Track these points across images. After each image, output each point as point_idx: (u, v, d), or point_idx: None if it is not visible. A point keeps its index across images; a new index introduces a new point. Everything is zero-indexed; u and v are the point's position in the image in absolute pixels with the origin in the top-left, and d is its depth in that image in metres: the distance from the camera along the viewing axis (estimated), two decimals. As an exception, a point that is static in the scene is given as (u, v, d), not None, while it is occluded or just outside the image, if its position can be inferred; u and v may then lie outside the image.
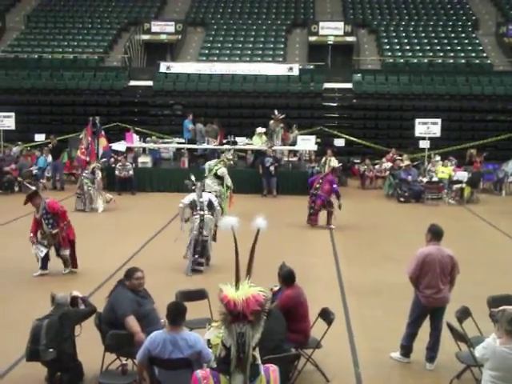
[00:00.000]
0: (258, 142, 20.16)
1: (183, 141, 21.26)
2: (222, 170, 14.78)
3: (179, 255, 11.77)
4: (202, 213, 10.68)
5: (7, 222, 14.56)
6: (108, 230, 14.29)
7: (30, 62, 29.29)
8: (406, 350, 7.23)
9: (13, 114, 22.39)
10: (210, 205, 10.89)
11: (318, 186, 14.80)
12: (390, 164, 21.40)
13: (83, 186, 16.39)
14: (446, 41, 30.39)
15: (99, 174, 16.87)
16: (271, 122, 20.14)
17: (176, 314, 5.43)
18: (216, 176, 14.65)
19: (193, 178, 11.54)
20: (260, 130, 20.31)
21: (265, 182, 19.30)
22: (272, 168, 19.05)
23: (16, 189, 19.38)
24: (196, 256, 10.63)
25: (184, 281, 9.70)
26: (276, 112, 20.25)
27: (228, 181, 14.66)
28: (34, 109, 26.70)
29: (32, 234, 10.08)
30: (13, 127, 22.27)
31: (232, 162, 15.71)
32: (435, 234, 7.09)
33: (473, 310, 6.94)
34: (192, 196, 10.94)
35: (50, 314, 6.22)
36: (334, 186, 14.84)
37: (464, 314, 6.83)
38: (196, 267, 10.61)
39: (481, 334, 6.81)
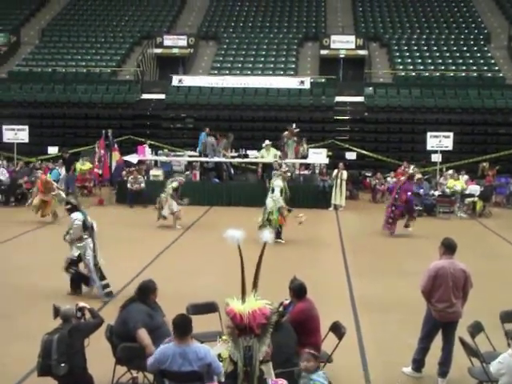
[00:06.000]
0: (265, 155, 20.13)
1: (196, 154, 21.31)
2: (278, 183, 14.28)
3: (189, 268, 11.82)
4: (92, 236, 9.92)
5: (20, 235, 14.65)
6: (119, 243, 14.29)
7: (44, 75, 29.59)
8: (418, 364, 7.17)
9: (26, 127, 22.58)
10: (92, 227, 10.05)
11: (396, 196, 15.45)
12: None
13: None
14: (457, 54, 30.40)
15: (174, 184, 16.24)
16: (285, 133, 20.09)
17: (183, 327, 5.42)
18: (273, 191, 14.24)
19: None
20: (267, 142, 20.24)
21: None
22: None
23: (29, 201, 19.46)
24: (104, 282, 9.83)
25: (194, 294, 9.68)
26: (294, 125, 20.30)
27: (276, 194, 14.08)
28: (48, 122, 26.97)
29: None
30: (26, 140, 22.45)
31: (288, 174, 15.67)
32: (448, 247, 7.05)
33: (485, 324, 6.88)
34: (80, 215, 9.92)
35: (60, 327, 6.17)
36: (409, 193, 15.52)
37: (476, 328, 6.77)
38: (108, 290, 9.83)
39: (493, 349, 6.75)
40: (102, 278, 9.86)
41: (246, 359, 3.66)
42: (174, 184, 16.15)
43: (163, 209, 15.82)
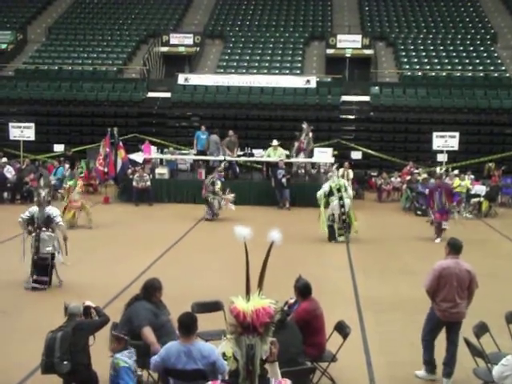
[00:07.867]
0: (272, 155, 20.13)
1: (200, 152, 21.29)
2: (346, 182, 15.53)
3: (196, 266, 11.83)
4: (38, 231, 10.13)
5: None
6: (125, 240, 14.35)
7: (51, 73, 29.66)
8: (430, 364, 7.12)
9: (32, 124, 22.63)
10: (48, 220, 10.21)
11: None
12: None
13: (208, 198, 17.01)
14: (464, 54, 30.32)
15: (218, 184, 17.23)
16: (311, 134, 20.30)
17: (188, 325, 5.42)
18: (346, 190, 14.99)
19: None
20: (276, 142, 20.26)
21: (278, 193, 19.24)
22: (284, 180, 18.93)
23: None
24: (35, 276, 10.05)
25: (199, 292, 9.70)
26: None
27: (351, 193, 15.25)
28: (54, 120, 27.01)
29: None
30: (32, 138, 22.50)
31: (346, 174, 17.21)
32: (454, 247, 7.04)
33: (490, 325, 6.86)
34: (33, 209, 10.35)
35: (64, 325, 6.18)
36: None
37: (481, 329, 6.76)
38: (34, 285, 10.05)
39: (499, 350, 6.73)
40: (42, 273, 10.12)
41: (249, 357, 3.65)
42: (218, 183, 17.22)
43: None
